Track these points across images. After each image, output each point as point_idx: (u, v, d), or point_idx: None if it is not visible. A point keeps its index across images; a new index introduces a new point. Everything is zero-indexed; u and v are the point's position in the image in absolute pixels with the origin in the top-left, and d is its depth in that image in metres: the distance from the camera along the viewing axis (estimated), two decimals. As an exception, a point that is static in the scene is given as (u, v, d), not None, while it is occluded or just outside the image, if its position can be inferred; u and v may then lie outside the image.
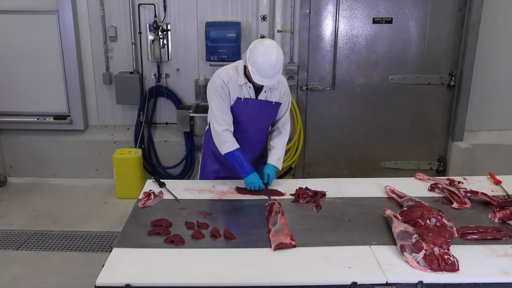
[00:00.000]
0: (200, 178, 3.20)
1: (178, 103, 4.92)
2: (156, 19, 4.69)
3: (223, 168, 3.06)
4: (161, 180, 2.91)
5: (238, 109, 2.84)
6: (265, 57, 2.59)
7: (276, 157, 2.96)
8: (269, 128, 3.07)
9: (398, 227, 2.26)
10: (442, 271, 1.99)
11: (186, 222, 2.42)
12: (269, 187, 2.85)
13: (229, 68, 2.85)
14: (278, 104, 2.92)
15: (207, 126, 3.05)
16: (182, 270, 2.03)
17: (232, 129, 2.83)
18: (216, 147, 2.88)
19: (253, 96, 2.83)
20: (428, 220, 2.28)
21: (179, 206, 2.63)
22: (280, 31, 4.60)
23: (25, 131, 5.04)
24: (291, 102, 4.75)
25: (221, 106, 2.80)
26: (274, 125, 3.06)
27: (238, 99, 2.81)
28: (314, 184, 2.87)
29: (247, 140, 2.94)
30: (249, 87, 2.81)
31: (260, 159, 3.11)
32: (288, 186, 2.87)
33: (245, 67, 2.78)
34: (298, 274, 2.01)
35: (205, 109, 4.84)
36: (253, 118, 2.88)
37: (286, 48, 4.71)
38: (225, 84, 2.78)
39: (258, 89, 2.83)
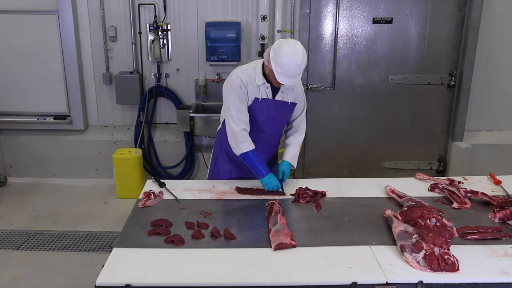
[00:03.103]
0: (210, 178, 3.13)
1: (178, 103, 4.92)
2: (156, 19, 4.69)
3: (236, 168, 3.04)
4: (161, 180, 2.91)
5: (256, 109, 2.82)
6: (291, 57, 2.57)
7: (291, 154, 2.96)
8: (284, 128, 3.07)
9: (398, 227, 2.26)
10: (442, 271, 1.99)
11: (186, 222, 2.42)
12: (284, 184, 2.87)
13: (247, 68, 2.82)
14: (293, 105, 2.91)
15: (219, 126, 3.04)
16: (182, 270, 2.03)
17: (248, 129, 2.82)
18: (230, 147, 2.86)
19: (270, 96, 2.82)
20: (428, 220, 2.28)
21: (179, 206, 2.62)
22: (280, 31, 4.60)
23: (25, 131, 5.04)
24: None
25: (239, 106, 2.77)
26: (289, 124, 3.05)
27: (256, 99, 2.79)
28: (314, 184, 2.87)
29: (262, 140, 2.93)
30: (267, 88, 2.79)
31: (273, 159, 3.10)
32: (288, 186, 2.87)
33: (263, 67, 2.77)
34: (298, 274, 2.00)
35: (205, 109, 4.84)
36: (270, 118, 2.87)
37: (286, 48, 4.71)
38: (244, 84, 2.76)
39: (275, 89, 2.82)
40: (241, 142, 2.77)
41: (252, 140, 2.81)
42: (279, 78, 2.63)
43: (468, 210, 2.59)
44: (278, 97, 2.84)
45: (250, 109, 2.82)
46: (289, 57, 2.57)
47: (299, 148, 3.04)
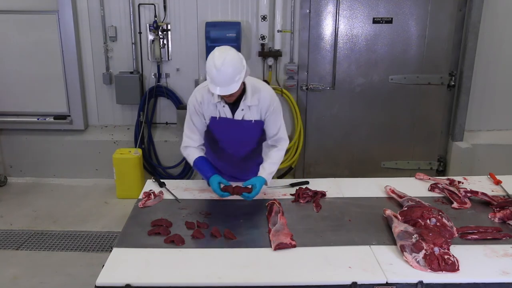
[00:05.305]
0: None
1: (178, 103, 4.92)
2: (156, 19, 4.69)
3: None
4: (161, 180, 2.91)
5: (214, 129, 2.73)
6: (211, 61, 2.40)
7: (268, 171, 2.71)
8: (258, 145, 2.86)
9: (398, 227, 2.26)
10: (442, 271, 1.99)
11: (186, 222, 2.42)
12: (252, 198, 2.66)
13: (205, 86, 2.65)
14: (259, 123, 2.70)
15: None
16: (182, 270, 2.03)
17: (196, 144, 2.76)
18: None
19: (229, 115, 2.67)
20: (428, 220, 2.28)
21: (179, 206, 2.62)
22: (280, 31, 4.60)
23: (25, 131, 5.04)
24: (292, 102, 4.78)
25: (188, 124, 2.76)
26: (268, 140, 2.82)
27: (213, 118, 2.69)
28: (314, 184, 2.87)
29: (232, 158, 2.85)
30: (223, 106, 2.65)
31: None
32: (287, 187, 2.87)
33: None
34: (298, 274, 2.01)
35: (205, 109, 4.84)
36: (232, 137, 2.75)
37: (286, 48, 4.72)
38: (198, 103, 2.68)
39: (234, 107, 2.65)
40: (187, 156, 2.80)
41: (224, 158, 2.82)
42: (210, 86, 2.46)
43: (468, 210, 2.59)
44: (238, 115, 2.66)
45: (209, 128, 2.75)
46: (210, 61, 2.41)
47: (278, 166, 2.76)
